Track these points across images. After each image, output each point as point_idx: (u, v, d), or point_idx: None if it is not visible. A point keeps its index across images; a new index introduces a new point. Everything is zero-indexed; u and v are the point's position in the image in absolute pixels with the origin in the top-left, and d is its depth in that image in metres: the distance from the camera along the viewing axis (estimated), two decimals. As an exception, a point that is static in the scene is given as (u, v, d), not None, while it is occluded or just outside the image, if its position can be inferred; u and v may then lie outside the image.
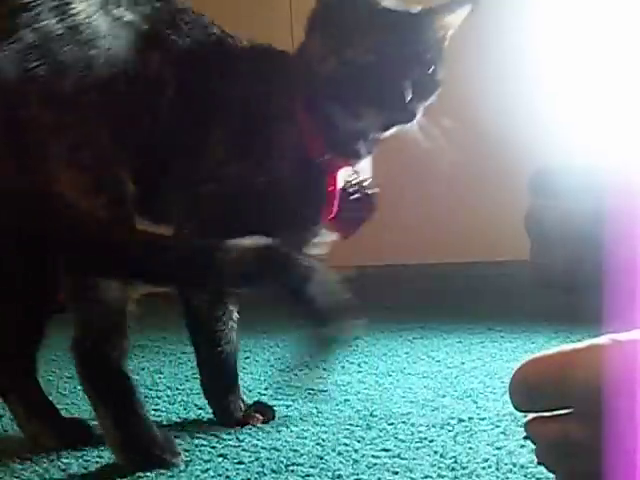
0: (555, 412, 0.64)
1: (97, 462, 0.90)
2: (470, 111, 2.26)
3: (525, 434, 0.67)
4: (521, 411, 0.67)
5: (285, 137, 0.98)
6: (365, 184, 1.04)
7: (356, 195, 1.03)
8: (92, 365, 0.87)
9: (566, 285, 1.93)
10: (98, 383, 0.87)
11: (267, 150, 0.98)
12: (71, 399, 1.19)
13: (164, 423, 1.04)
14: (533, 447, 0.67)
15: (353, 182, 1.03)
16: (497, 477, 0.79)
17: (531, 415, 0.66)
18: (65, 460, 0.90)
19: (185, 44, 0.95)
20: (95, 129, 0.85)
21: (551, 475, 0.67)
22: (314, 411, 1.06)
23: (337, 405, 1.09)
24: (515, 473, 0.79)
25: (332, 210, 1.01)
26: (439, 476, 0.80)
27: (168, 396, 1.19)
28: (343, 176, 1.02)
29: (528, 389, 0.64)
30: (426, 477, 0.80)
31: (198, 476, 0.84)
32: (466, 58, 2.36)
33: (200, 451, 0.92)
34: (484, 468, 0.81)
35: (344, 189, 1.02)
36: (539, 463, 0.68)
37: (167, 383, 1.28)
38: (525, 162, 2.16)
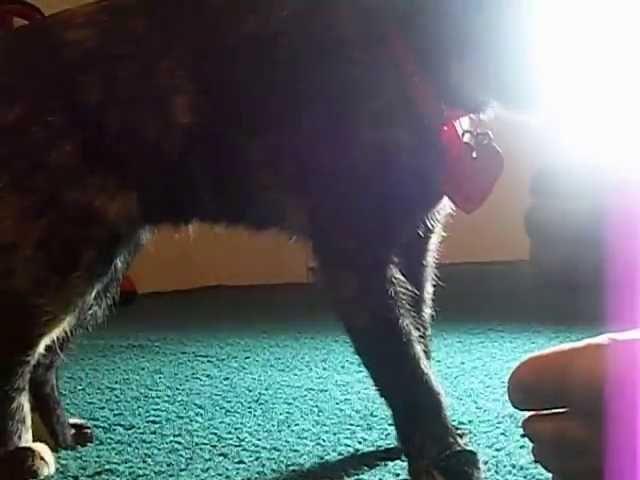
0: (553, 410, 0.64)
1: (95, 462, 0.90)
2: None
3: (523, 432, 0.68)
4: (520, 409, 0.67)
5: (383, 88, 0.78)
6: (487, 133, 0.83)
7: (479, 150, 0.82)
8: None
9: (566, 285, 1.93)
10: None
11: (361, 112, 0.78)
12: (70, 399, 1.19)
13: (164, 423, 1.04)
14: (531, 446, 0.67)
15: (474, 134, 0.82)
16: (496, 479, 0.78)
17: (529, 413, 0.66)
18: (63, 462, 0.90)
19: None
20: None
21: (549, 475, 0.67)
22: (315, 410, 1.06)
23: (338, 405, 1.09)
24: (515, 475, 0.79)
25: (459, 174, 0.81)
26: None
27: (168, 396, 1.19)
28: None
29: (526, 388, 0.64)
30: None
31: (198, 475, 0.84)
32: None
33: (201, 449, 0.92)
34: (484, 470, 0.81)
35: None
36: (536, 461, 0.68)
37: (166, 383, 1.28)
38: (526, 162, 2.16)
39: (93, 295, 0.89)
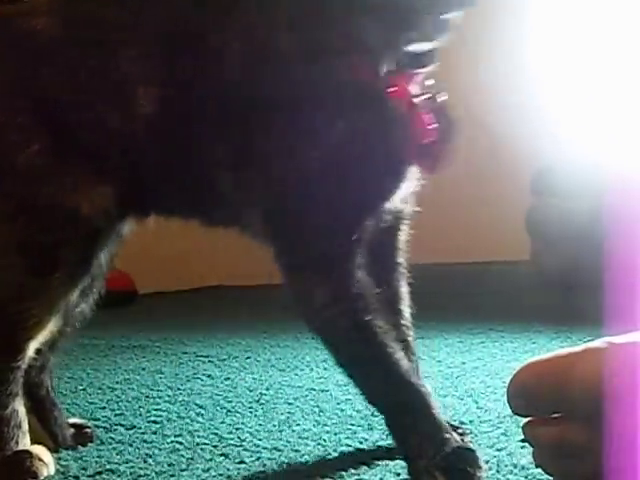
0: (553, 415, 0.64)
1: (96, 463, 0.90)
2: (471, 110, 2.26)
3: (523, 436, 0.68)
4: (520, 415, 0.67)
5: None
6: (436, 95, 0.79)
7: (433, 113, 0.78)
8: None
9: (566, 285, 1.93)
10: None
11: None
12: (71, 399, 1.19)
13: (165, 423, 1.04)
14: (532, 450, 0.67)
15: (424, 98, 0.78)
16: (498, 479, 0.79)
17: (528, 417, 0.66)
18: (64, 462, 0.90)
19: None
20: None
21: (546, 476, 0.67)
22: (316, 410, 1.06)
23: (339, 405, 1.09)
24: (516, 475, 0.79)
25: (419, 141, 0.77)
26: None
27: (169, 396, 1.19)
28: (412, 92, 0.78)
29: (526, 394, 0.64)
30: None
31: (199, 476, 0.84)
32: (468, 57, 2.37)
33: (202, 449, 0.92)
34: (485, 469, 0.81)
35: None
36: (537, 465, 0.68)
37: (167, 383, 1.28)
38: (526, 162, 2.16)
39: (77, 293, 0.88)
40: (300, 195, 0.78)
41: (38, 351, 0.89)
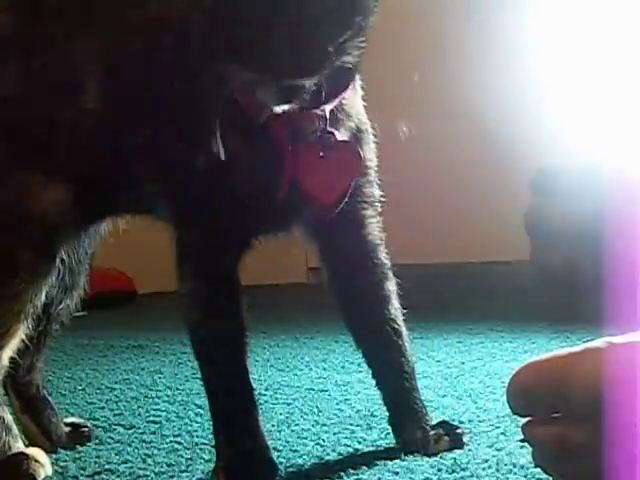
0: (553, 415, 0.64)
1: (95, 463, 0.90)
2: (471, 110, 2.26)
3: (523, 437, 0.68)
4: (520, 415, 0.67)
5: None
6: (332, 132, 0.79)
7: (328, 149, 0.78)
8: None
9: (566, 285, 1.94)
10: None
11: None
12: (70, 399, 1.20)
13: (164, 423, 1.05)
14: (531, 450, 0.67)
15: (319, 134, 0.78)
16: (497, 478, 0.79)
17: (528, 417, 0.66)
18: (62, 463, 0.90)
19: None
20: None
21: (545, 476, 0.67)
22: (315, 411, 1.06)
23: (337, 405, 1.09)
24: (515, 474, 0.79)
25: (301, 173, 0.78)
26: (439, 478, 0.80)
27: (168, 396, 1.19)
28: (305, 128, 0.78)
29: (526, 394, 0.64)
30: (426, 479, 0.80)
31: (199, 477, 0.84)
32: (468, 58, 2.37)
33: (201, 449, 0.92)
34: (484, 469, 0.81)
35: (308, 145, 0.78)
36: (536, 465, 0.68)
37: (167, 383, 1.28)
38: (526, 162, 2.17)
39: (45, 295, 0.85)
40: (193, 193, 0.81)
41: (25, 350, 0.88)
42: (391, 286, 0.90)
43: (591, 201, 1.90)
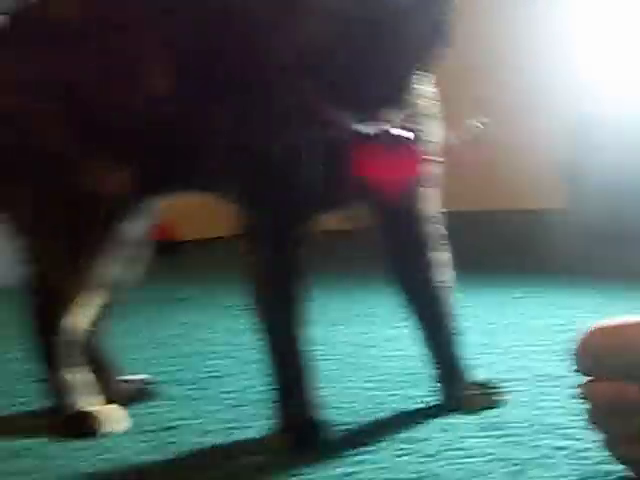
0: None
1: (167, 418, 0.96)
2: (512, 52, 2.25)
3: (579, 395, 0.72)
4: (585, 376, 0.72)
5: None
6: (397, 133, 0.85)
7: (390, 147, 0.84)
8: None
9: (609, 236, 1.90)
10: None
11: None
12: (132, 355, 1.24)
13: (225, 378, 1.10)
14: (586, 408, 0.72)
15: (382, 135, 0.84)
16: (537, 438, 0.83)
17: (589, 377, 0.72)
18: (137, 418, 0.96)
19: None
20: None
21: (586, 434, 0.72)
22: (364, 367, 1.11)
23: (385, 362, 1.13)
24: (552, 433, 0.83)
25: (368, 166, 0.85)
26: (485, 436, 0.85)
27: (225, 351, 1.24)
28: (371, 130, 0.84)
29: (594, 358, 0.70)
30: (472, 436, 0.85)
31: (264, 434, 0.89)
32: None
33: (262, 405, 0.94)
34: (524, 428, 0.86)
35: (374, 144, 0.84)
36: (590, 423, 0.72)
37: (222, 337, 1.34)
38: (565, 109, 2.15)
39: (106, 269, 0.94)
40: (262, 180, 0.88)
41: (90, 320, 0.97)
42: (445, 256, 0.95)
43: (633, 150, 1.90)
